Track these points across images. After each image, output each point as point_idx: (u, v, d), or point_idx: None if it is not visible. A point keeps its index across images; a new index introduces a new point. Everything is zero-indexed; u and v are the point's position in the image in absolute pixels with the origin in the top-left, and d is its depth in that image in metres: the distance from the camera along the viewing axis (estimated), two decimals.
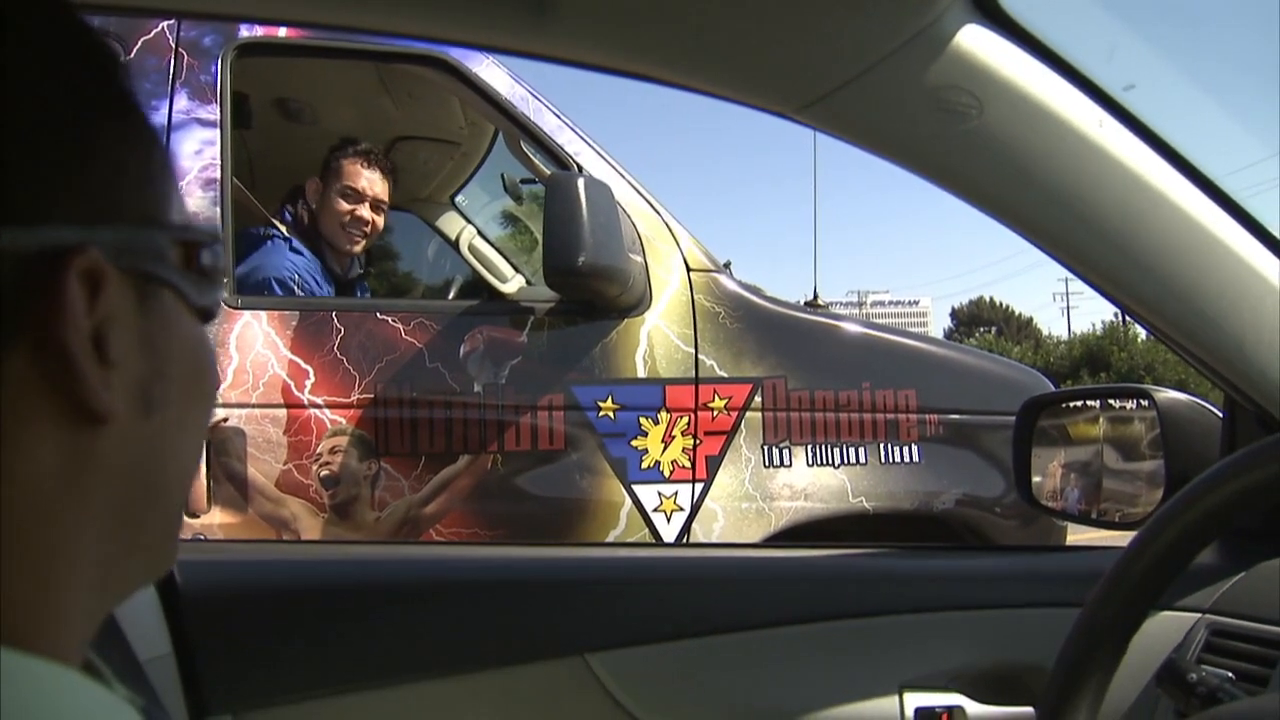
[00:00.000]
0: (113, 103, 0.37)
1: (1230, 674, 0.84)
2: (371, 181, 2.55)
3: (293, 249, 2.46)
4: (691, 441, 2.30)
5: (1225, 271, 0.85)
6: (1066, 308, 52.55)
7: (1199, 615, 0.99)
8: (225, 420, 2.12)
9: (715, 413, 2.32)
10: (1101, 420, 1.34)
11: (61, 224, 0.32)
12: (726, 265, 2.50)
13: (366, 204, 2.54)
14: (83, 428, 0.33)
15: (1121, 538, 0.88)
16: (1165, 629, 0.99)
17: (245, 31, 2.31)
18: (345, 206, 2.53)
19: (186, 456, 0.41)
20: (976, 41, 0.77)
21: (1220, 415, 1.06)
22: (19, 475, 0.32)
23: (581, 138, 2.41)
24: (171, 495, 0.40)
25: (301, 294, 2.36)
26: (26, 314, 0.31)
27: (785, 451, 2.34)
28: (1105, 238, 0.85)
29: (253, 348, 2.17)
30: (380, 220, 2.61)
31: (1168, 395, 1.10)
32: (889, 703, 1.04)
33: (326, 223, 2.54)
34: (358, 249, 2.61)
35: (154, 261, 0.36)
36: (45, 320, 0.31)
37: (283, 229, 2.51)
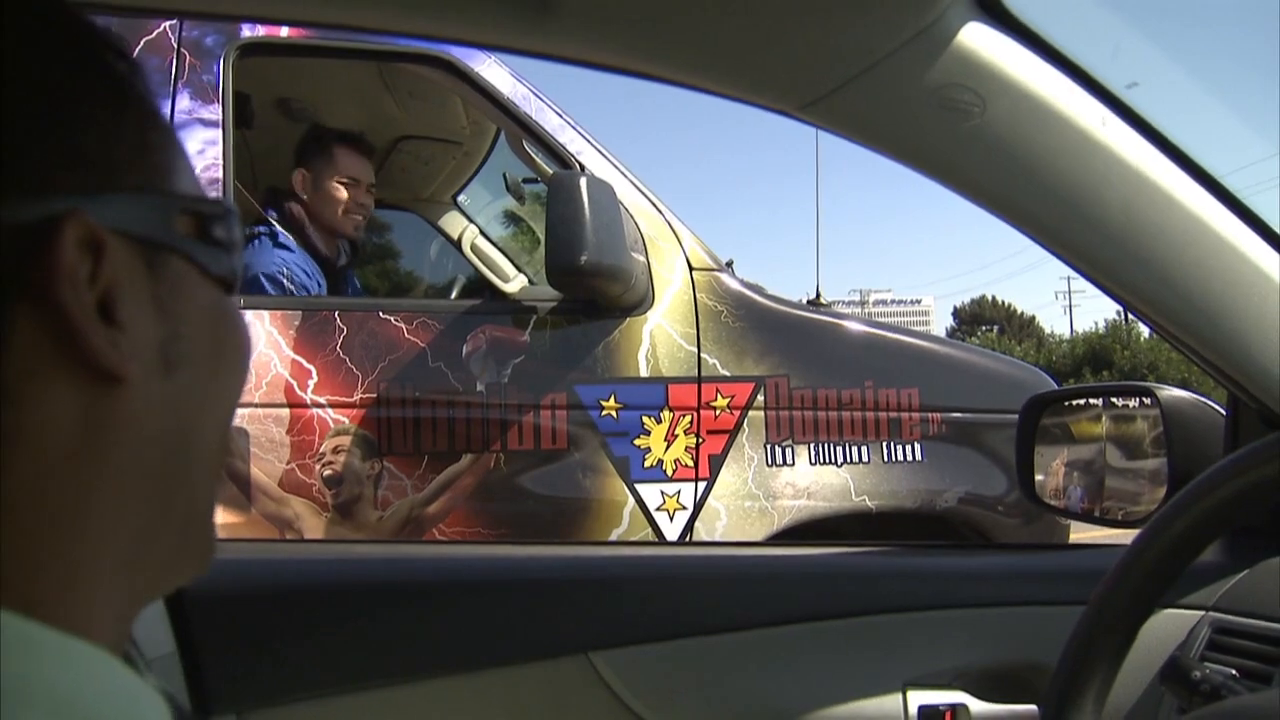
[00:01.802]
0: (103, 80, 0.37)
1: (1234, 671, 0.84)
2: (366, 167, 2.62)
3: (278, 244, 2.45)
4: (694, 440, 2.30)
5: (1228, 269, 0.85)
6: (1069, 306, 52.53)
7: (1202, 613, 0.99)
8: None
9: (718, 411, 2.32)
10: (1104, 418, 1.34)
11: (56, 195, 0.34)
12: (729, 264, 2.50)
13: (363, 188, 2.60)
14: (100, 388, 0.34)
15: (1124, 536, 0.88)
16: (1168, 627, 0.99)
17: (247, 31, 2.31)
18: (345, 194, 2.56)
19: (213, 426, 0.41)
20: (979, 39, 0.77)
21: (1223, 413, 1.06)
22: (28, 432, 0.32)
23: (583, 137, 2.41)
24: (199, 468, 0.40)
25: (292, 288, 2.36)
26: (28, 278, 0.32)
27: (788, 450, 2.34)
28: (1108, 235, 0.85)
29: (255, 347, 2.17)
30: (371, 203, 2.69)
31: (1171, 393, 1.10)
32: (893, 700, 1.04)
33: (325, 212, 2.56)
34: (360, 233, 2.67)
35: (158, 229, 0.37)
36: (44, 283, 0.32)
37: (271, 224, 2.50)
